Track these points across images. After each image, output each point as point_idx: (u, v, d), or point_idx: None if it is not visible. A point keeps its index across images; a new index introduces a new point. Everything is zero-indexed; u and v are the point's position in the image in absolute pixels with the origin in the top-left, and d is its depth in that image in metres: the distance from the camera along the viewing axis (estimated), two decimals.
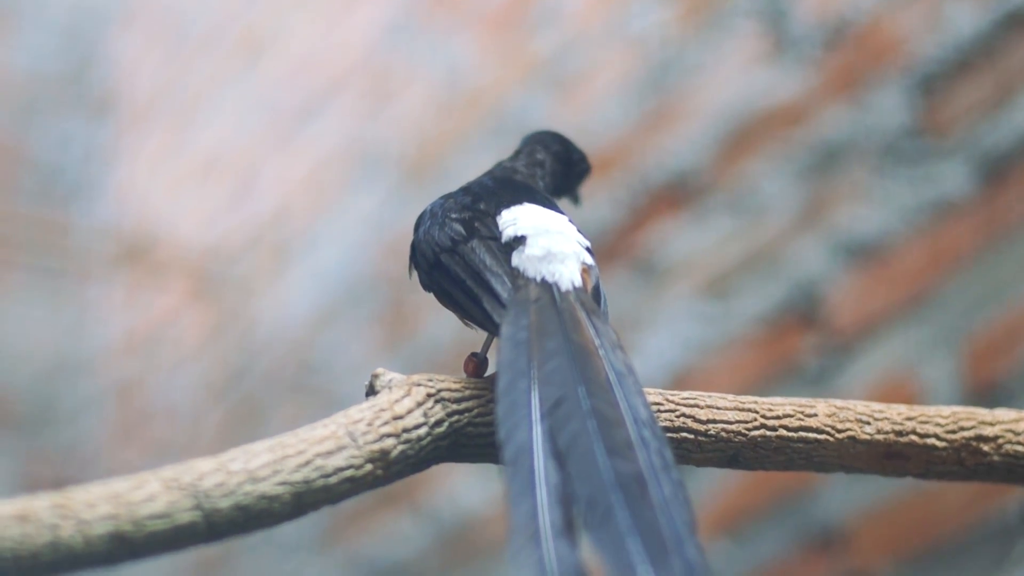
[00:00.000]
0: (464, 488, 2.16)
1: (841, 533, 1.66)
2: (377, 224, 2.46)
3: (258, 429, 2.50)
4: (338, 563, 2.40)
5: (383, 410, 0.95)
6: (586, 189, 1.34)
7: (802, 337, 1.75)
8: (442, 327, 2.23)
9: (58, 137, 3.30)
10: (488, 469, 2.05)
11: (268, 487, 0.91)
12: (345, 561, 2.38)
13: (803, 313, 1.76)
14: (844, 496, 1.67)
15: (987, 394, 1.52)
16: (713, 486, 1.79)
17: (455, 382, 0.98)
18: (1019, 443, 1.03)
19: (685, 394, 0.99)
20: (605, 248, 1.97)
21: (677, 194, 1.93)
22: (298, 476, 0.92)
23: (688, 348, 1.88)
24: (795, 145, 1.80)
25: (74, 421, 3.19)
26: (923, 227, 1.65)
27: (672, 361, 1.88)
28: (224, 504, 0.89)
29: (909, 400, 1.37)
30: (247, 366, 2.71)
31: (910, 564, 1.59)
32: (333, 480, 0.93)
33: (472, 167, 2.28)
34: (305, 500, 0.92)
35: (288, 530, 2.48)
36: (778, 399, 1.01)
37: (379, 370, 1.00)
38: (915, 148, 1.67)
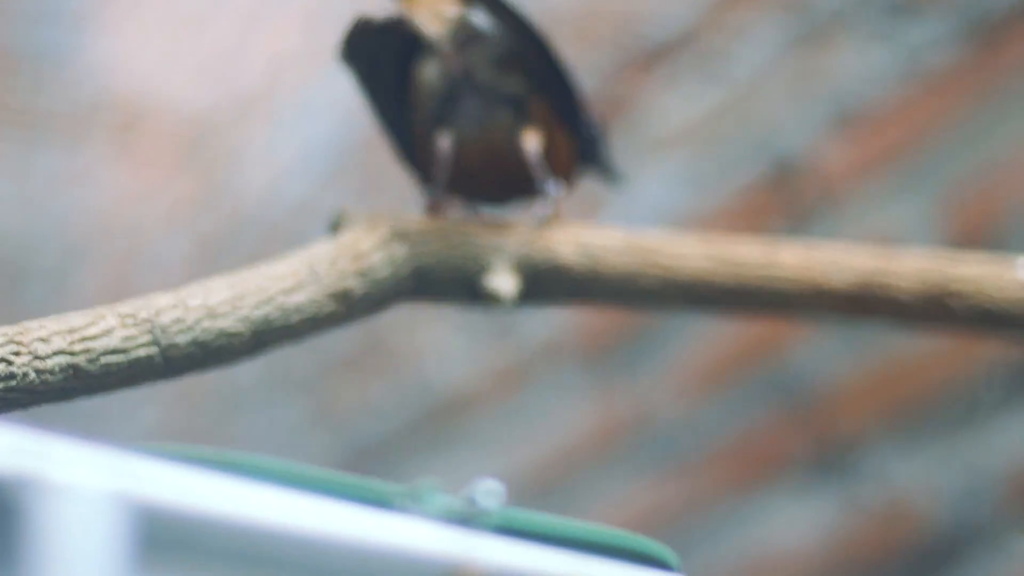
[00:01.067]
0: (452, 360, 2.16)
1: (818, 398, 1.67)
2: None
3: None
4: (324, 438, 2.40)
5: (347, 247, 0.94)
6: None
7: (783, 206, 1.75)
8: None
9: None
10: (477, 339, 2.07)
11: (227, 323, 0.90)
12: (331, 435, 2.39)
13: (784, 182, 1.75)
14: (821, 362, 1.67)
15: None
16: (693, 350, 1.79)
17: (421, 221, 0.97)
18: (984, 293, 1.02)
19: (650, 236, 0.98)
20: None
21: (655, 60, 1.91)
22: (258, 313, 0.91)
23: (665, 218, 1.86)
24: (780, 8, 1.78)
25: (59, 290, 3.19)
26: (909, 93, 1.64)
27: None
28: (181, 340, 0.88)
29: None
30: (240, 232, 2.70)
31: (885, 427, 1.60)
32: (294, 318, 0.92)
33: None
34: (265, 338, 0.91)
35: (274, 408, 2.49)
36: (744, 242, 1.00)
37: (344, 207, 0.99)
38: (902, 12, 1.65)
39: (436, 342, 2.17)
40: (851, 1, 1.70)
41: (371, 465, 2.26)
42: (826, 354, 1.65)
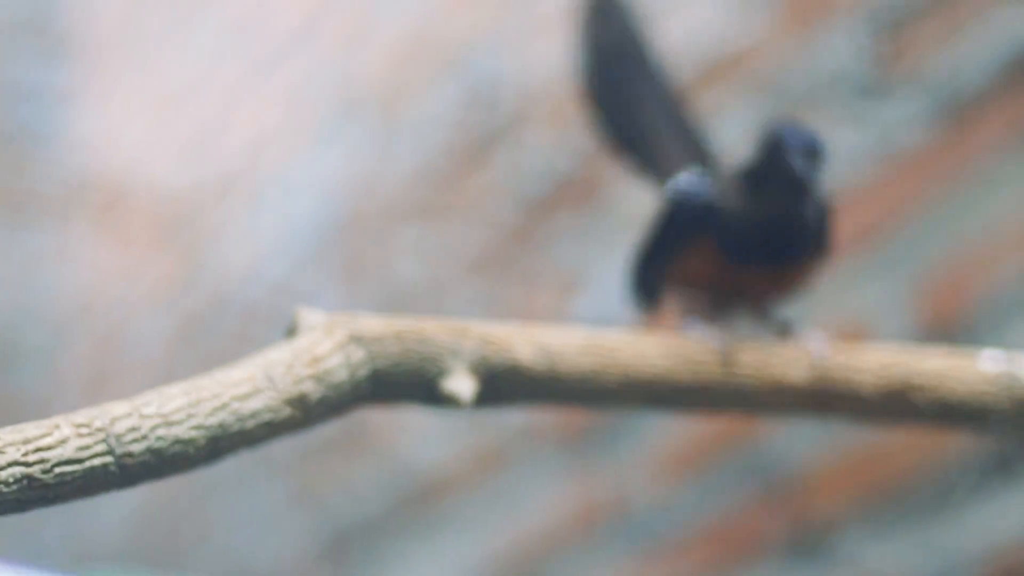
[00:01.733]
0: (430, 443, 2.15)
1: (794, 482, 1.66)
2: (352, 169, 2.44)
3: None
4: (303, 520, 2.39)
5: (303, 351, 0.93)
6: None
7: None
8: (415, 273, 2.21)
9: (16, 79, 3.27)
10: (456, 423, 2.06)
11: (183, 431, 0.89)
12: (311, 518, 2.38)
13: None
14: (796, 446, 1.66)
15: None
16: (669, 433, 1.79)
17: (379, 322, 0.96)
18: (945, 390, 1.01)
19: (611, 337, 0.97)
20: (560, 199, 1.95)
21: None
22: (214, 420, 0.90)
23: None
24: (753, 88, 1.78)
25: (46, 366, 3.18)
26: (880, 175, 1.63)
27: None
28: (137, 448, 0.88)
29: None
30: (221, 310, 2.70)
31: (860, 512, 1.59)
32: (250, 424, 0.91)
33: (446, 111, 2.26)
34: (221, 444, 0.90)
35: (254, 490, 2.48)
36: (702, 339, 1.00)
37: (300, 309, 0.98)
38: (873, 93, 1.66)
39: (414, 425, 2.16)
40: (823, 82, 1.70)
41: (351, 547, 2.25)
42: (801, 438, 1.65)
